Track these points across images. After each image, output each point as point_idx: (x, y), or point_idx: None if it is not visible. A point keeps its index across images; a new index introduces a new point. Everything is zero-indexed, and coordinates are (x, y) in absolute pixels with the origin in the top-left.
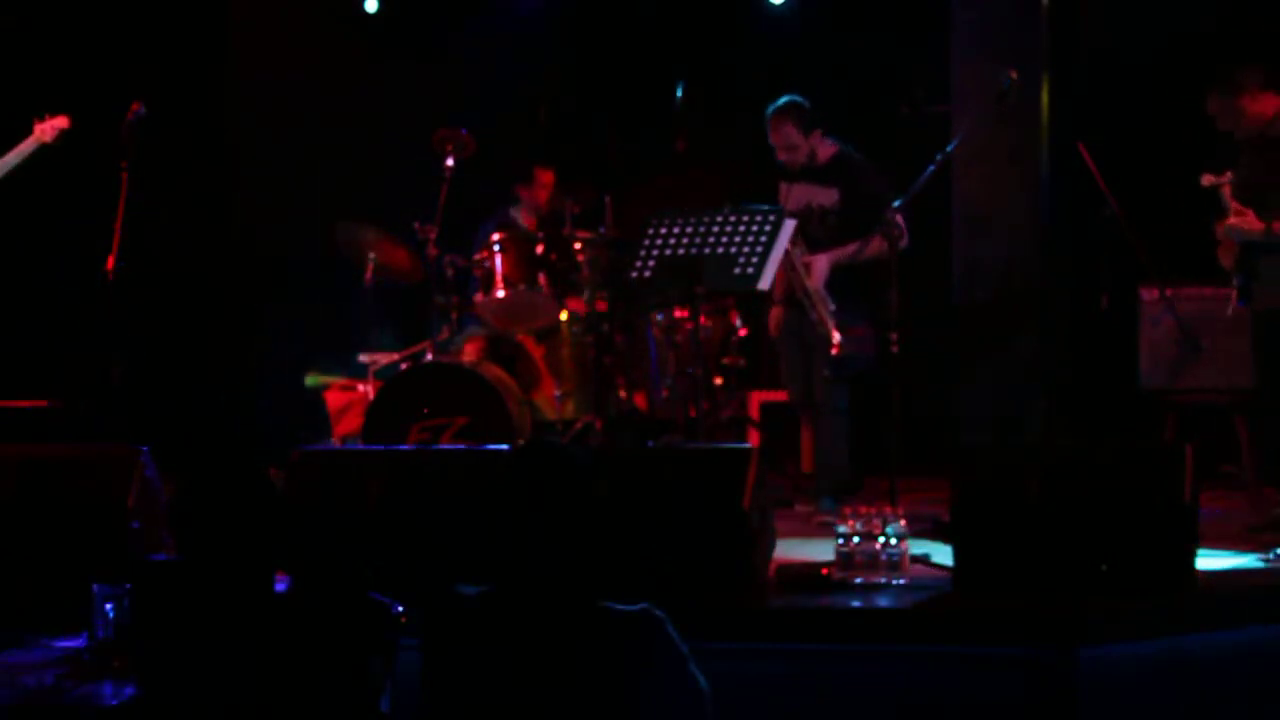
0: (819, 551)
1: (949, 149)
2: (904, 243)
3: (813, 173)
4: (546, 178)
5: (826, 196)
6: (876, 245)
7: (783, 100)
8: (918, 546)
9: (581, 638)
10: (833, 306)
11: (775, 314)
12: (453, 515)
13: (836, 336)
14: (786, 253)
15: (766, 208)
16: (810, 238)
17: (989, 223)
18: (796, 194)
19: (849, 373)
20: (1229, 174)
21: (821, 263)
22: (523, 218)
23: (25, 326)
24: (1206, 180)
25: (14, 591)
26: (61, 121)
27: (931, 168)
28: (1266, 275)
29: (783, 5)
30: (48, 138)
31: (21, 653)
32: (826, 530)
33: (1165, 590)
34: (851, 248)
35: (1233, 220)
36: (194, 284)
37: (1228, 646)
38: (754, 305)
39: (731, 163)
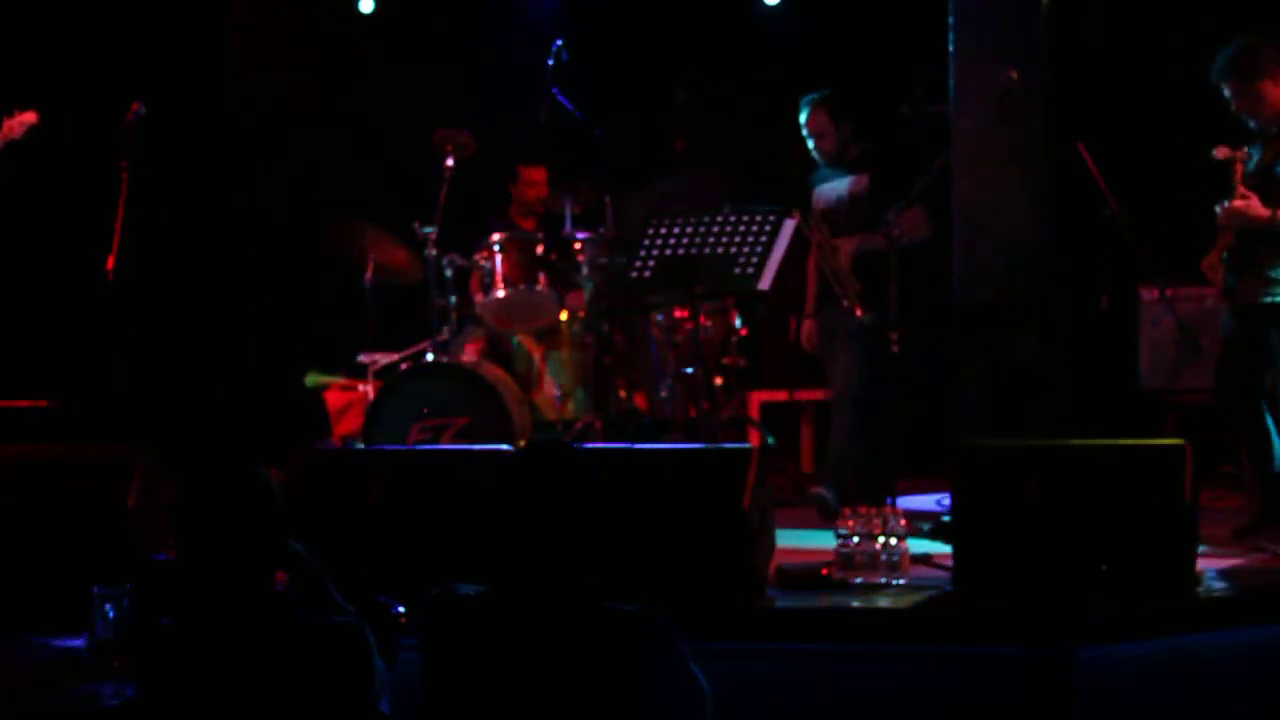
0: (819, 552)
1: (948, 155)
2: (904, 238)
3: (846, 165)
4: (534, 175)
5: (858, 185)
6: (879, 240)
7: (820, 91)
8: (918, 546)
9: (581, 638)
10: (859, 287)
11: (808, 326)
12: (453, 515)
13: (860, 312)
14: (818, 243)
15: (766, 208)
16: (841, 227)
17: (989, 223)
18: (826, 191)
19: (872, 356)
20: (1245, 150)
21: (847, 247)
22: (515, 217)
23: (25, 326)
24: (1221, 153)
25: (14, 591)
26: (29, 117)
27: (928, 177)
28: (1256, 268)
29: (781, 5)
30: (16, 134)
31: (21, 653)
32: (825, 522)
33: (1165, 590)
34: (876, 236)
35: (1238, 203)
36: (194, 284)
37: (1228, 646)
38: (754, 305)
39: (731, 163)
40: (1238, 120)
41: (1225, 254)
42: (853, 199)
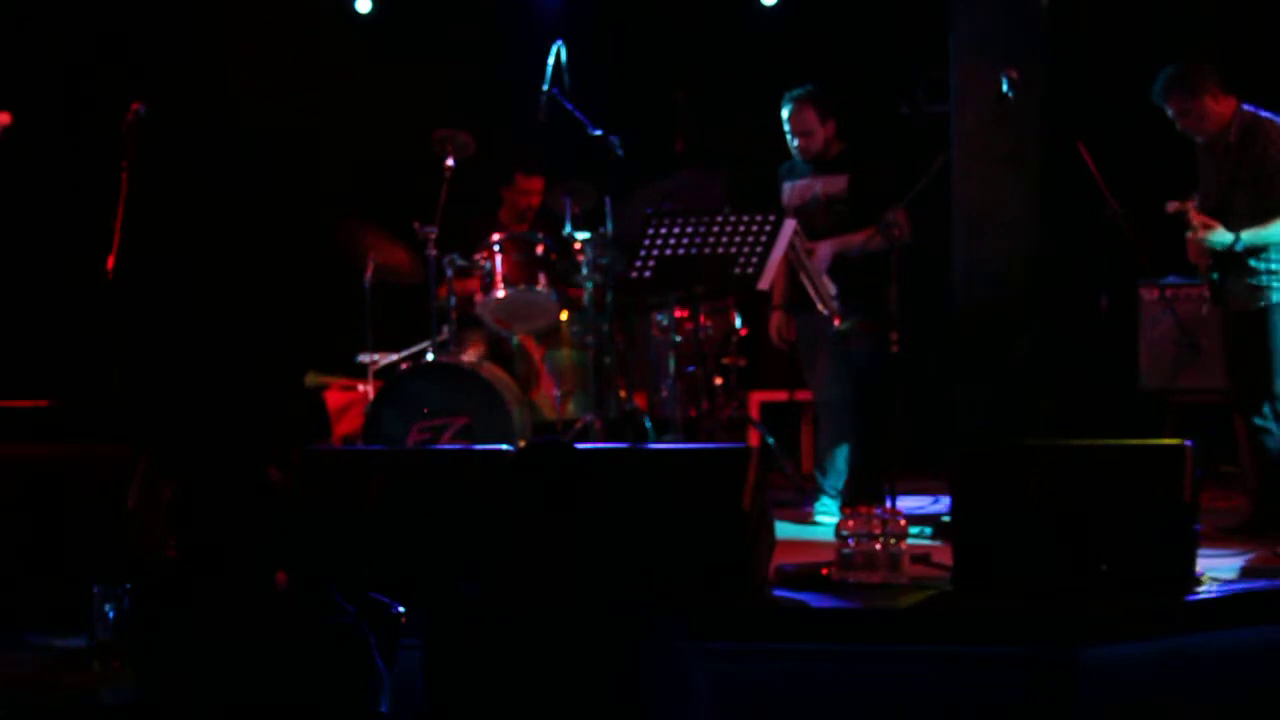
0: (819, 551)
1: (950, 154)
2: (904, 239)
3: (823, 163)
4: (531, 184)
5: (835, 185)
6: (878, 240)
7: (804, 87)
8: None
9: (581, 637)
10: (835, 291)
11: (776, 318)
12: (453, 515)
13: (838, 321)
14: (790, 242)
15: (766, 208)
16: (815, 227)
17: (989, 223)
18: (800, 188)
19: (856, 360)
20: (1194, 199)
21: (824, 249)
22: (506, 221)
23: (25, 326)
24: (1172, 208)
25: (14, 591)
26: (3, 118)
27: (927, 178)
28: (1235, 278)
29: (780, 4)
30: None
31: (21, 653)
32: (826, 530)
33: (1165, 590)
34: (857, 237)
35: (1201, 234)
36: (194, 284)
37: (1228, 646)
38: (754, 305)
39: (731, 163)
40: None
41: (1208, 268)
42: (829, 199)
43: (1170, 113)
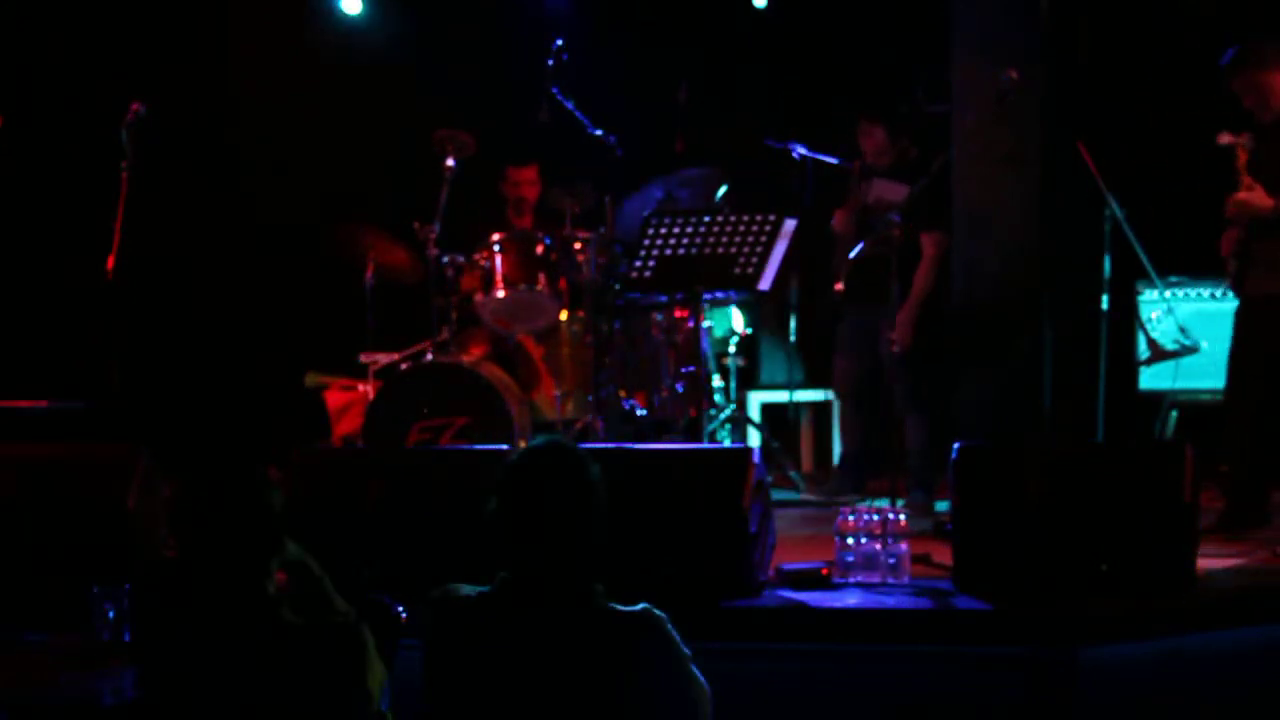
0: (819, 551)
1: (950, 154)
2: (901, 240)
3: (895, 169)
4: (522, 175)
5: (897, 192)
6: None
7: (869, 109)
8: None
9: (581, 638)
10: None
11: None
12: (453, 515)
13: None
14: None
15: (766, 208)
16: (871, 228)
17: (988, 223)
18: (873, 189)
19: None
20: (1246, 135)
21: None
22: (512, 218)
23: (25, 326)
24: (1223, 139)
25: (14, 591)
26: None
27: (927, 178)
28: (1260, 260)
29: (781, 4)
30: None
31: (20, 652)
32: (827, 530)
33: (1165, 590)
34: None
35: (1242, 195)
36: (194, 284)
37: (1228, 646)
38: (754, 305)
39: (731, 163)
40: (1238, 113)
41: (1234, 252)
42: (888, 206)
43: (1234, 87)
